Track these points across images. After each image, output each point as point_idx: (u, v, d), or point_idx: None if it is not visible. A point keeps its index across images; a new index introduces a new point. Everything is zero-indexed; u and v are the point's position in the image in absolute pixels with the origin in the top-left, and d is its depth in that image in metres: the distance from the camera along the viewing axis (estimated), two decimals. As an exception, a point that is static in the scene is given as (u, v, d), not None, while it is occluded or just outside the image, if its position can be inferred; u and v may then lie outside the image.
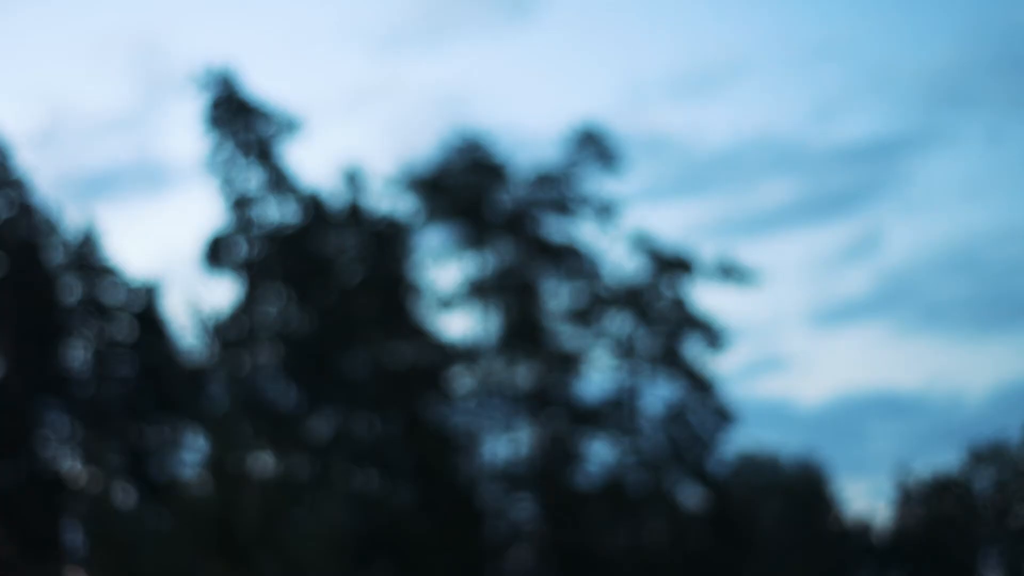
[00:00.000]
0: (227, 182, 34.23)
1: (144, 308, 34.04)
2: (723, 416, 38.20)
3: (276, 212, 34.56)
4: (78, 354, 33.70)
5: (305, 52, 56.66)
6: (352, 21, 60.12)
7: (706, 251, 38.56)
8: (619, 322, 38.07)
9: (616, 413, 37.48)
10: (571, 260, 37.62)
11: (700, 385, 38.04)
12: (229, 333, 33.84)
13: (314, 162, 64.08)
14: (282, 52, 57.05)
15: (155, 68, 52.32)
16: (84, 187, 48.17)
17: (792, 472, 50.85)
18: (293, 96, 65.86)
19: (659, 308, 38.04)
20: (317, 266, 34.58)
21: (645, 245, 37.94)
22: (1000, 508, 49.80)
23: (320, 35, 58.86)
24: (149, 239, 52.30)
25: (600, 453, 37.24)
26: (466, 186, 37.01)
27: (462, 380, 36.30)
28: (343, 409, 33.89)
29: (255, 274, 34.25)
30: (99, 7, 61.70)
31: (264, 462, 31.31)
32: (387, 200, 36.41)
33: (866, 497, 73.76)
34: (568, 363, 37.29)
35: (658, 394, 38.27)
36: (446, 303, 36.77)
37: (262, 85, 51.28)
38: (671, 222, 60.56)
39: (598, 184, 37.81)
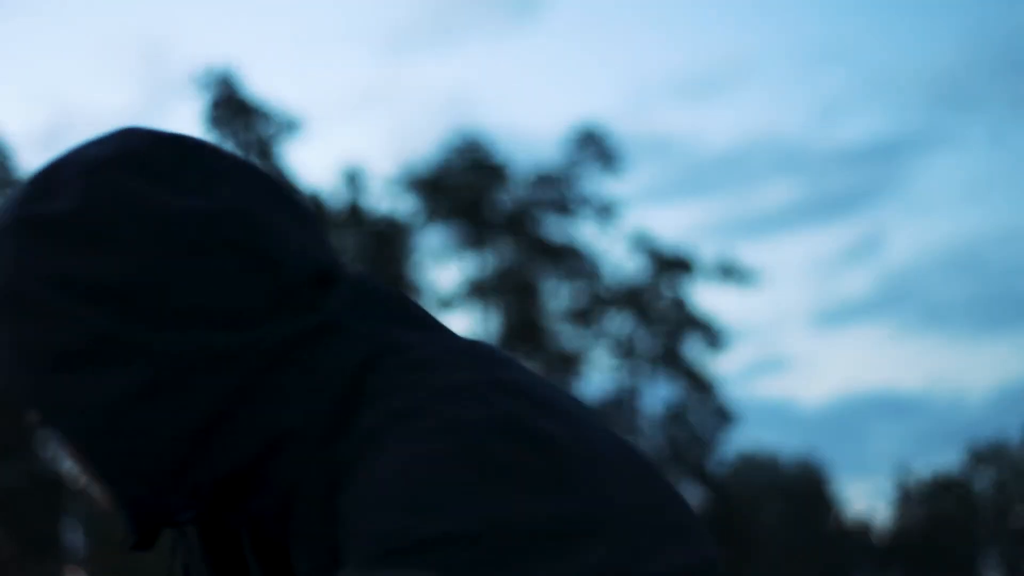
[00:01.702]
0: (227, 182, 34.29)
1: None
2: (723, 416, 38.26)
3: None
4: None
5: (309, 53, 56.68)
6: (356, 22, 60.16)
7: (708, 251, 38.61)
8: (619, 322, 38.12)
9: (616, 413, 37.52)
10: (571, 260, 37.68)
11: (700, 385, 38.08)
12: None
13: (317, 162, 64.25)
14: (286, 53, 57.08)
15: (160, 69, 52.34)
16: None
17: (792, 472, 50.92)
18: (297, 97, 65.96)
19: (659, 308, 38.09)
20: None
21: (645, 245, 38.01)
22: (1000, 508, 49.85)
23: (324, 36, 58.90)
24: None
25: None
26: (466, 186, 37.06)
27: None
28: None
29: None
30: (104, 9, 61.78)
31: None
32: (387, 200, 36.46)
33: (866, 497, 73.83)
34: (568, 363, 37.33)
35: (658, 394, 38.33)
36: (446, 303, 36.82)
37: (267, 86, 51.34)
38: (674, 223, 60.51)
39: (598, 184, 37.88)
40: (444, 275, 70.90)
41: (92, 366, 1.22)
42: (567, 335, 37.58)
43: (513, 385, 1.21)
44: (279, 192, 1.29)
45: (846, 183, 63.21)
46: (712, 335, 37.99)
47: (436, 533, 1.12)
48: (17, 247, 1.24)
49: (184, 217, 1.23)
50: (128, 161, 1.25)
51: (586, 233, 38.18)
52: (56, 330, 1.22)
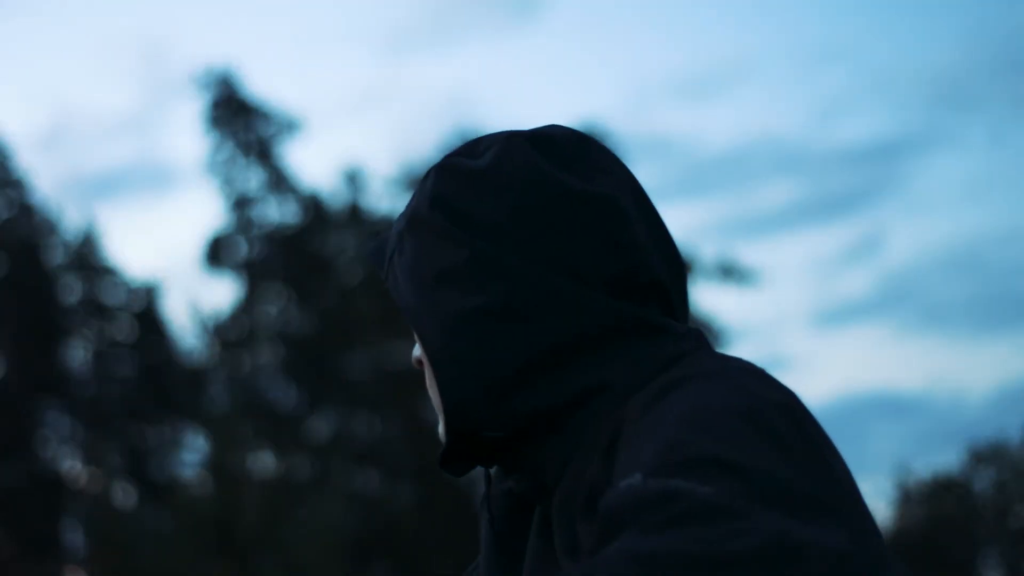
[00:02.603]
0: (227, 182, 34.23)
1: (144, 308, 34.03)
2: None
3: (276, 212, 34.58)
4: (78, 354, 33.70)
5: (309, 53, 56.57)
6: (356, 22, 60.13)
7: (708, 251, 38.55)
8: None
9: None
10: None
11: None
12: (229, 333, 33.85)
13: (316, 162, 64.25)
14: (287, 53, 56.96)
15: (160, 70, 52.20)
16: (88, 188, 48.14)
17: (792, 472, 50.76)
18: (297, 97, 65.93)
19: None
20: (317, 266, 34.59)
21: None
22: (1000, 508, 49.81)
23: (324, 36, 58.84)
24: (151, 239, 52.22)
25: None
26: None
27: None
28: (343, 409, 33.90)
29: (255, 274, 34.26)
30: (104, 9, 61.74)
31: (264, 462, 31.32)
32: (388, 200, 36.44)
33: (866, 497, 73.77)
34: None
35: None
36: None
37: (267, 86, 50.98)
38: (674, 223, 59.83)
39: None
40: (444, 275, 70.23)
41: (464, 282, 1.48)
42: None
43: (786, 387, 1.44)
44: (647, 205, 1.62)
45: (846, 183, 63.06)
46: (712, 335, 37.96)
47: (714, 455, 1.26)
48: (434, 184, 1.55)
49: (565, 188, 1.51)
50: (538, 141, 1.55)
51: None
52: (444, 249, 1.50)
